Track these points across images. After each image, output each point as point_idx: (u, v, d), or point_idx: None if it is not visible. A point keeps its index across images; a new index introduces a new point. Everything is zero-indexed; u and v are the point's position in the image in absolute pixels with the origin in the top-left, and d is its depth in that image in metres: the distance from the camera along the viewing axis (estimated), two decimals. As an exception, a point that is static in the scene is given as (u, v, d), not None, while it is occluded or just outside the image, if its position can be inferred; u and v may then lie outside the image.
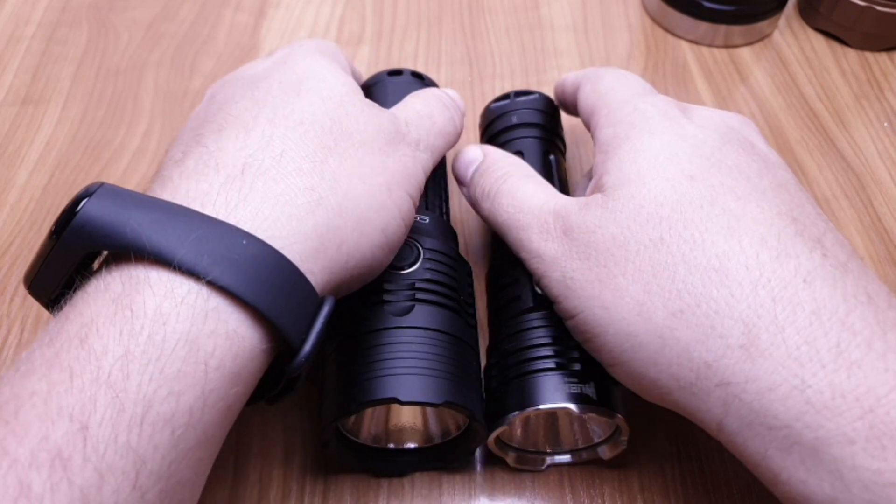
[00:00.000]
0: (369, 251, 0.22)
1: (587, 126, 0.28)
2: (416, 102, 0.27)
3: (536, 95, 0.33)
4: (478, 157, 0.28)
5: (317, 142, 0.22)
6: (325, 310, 0.20)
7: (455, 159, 0.29)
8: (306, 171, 0.21)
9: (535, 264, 0.24)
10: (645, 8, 0.46)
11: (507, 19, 0.45)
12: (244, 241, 0.18)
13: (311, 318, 0.20)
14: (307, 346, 0.19)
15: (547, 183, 0.27)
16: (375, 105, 0.25)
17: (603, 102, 0.27)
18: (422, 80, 0.33)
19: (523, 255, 0.25)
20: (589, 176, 0.28)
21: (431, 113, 0.27)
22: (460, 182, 0.29)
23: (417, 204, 0.25)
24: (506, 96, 0.33)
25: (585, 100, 0.28)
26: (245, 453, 0.27)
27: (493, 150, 0.28)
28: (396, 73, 0.33)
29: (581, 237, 0.23)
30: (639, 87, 0.27)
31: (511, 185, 0.26)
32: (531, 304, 0.25)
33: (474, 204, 0.28)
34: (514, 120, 0.32)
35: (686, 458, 0.27)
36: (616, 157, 0.24)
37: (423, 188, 0.25)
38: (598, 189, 0.24)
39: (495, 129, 0.32)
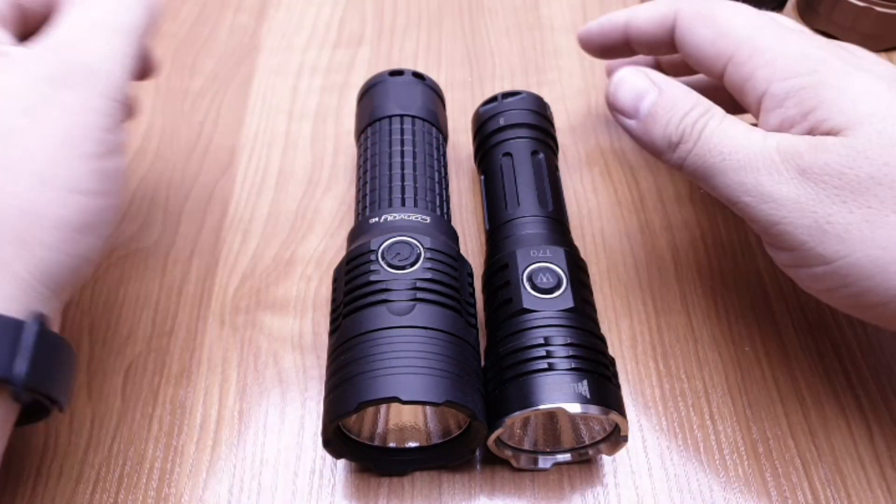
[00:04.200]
0: (62, 246, 0.21)
1: (708, 70, 0.27)
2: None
3: (524, 95, 0.33)
4: (648, 88, 0.26)
5: None
6: (30, 329, 0.20)
7: (615, 87, 0.27)
8: None
9: (767, 210, 0.23)
10: (645, 8, 0.46)
11: (507, 19, 0.45)
12: None
13: (12, 344, 0.20)
14: (18, 372, 0.20)
15: (747, 123, 0.25)
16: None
17: (750, 50, 0.25)
18: (423, 80, 0.33)
19: (747, 199, 0.23)
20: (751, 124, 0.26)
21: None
22: (625, 114, 0.27)
23: (112, 139, 0.23)
24: (493, 98, 0.33)
25: (710, 46, 0.26)
26: (246, 452, 0.27)
27: (671, 82, 0.26)
28: (397, 73, 0.33)
29: (828, 180, 0.22)
30: (778, 24, 0.26)
31: (720, 124, 0.24)
32: (524, 306, 0.25)
33: (658, 144, 0.26)
34: (502, 122, 0.32)
35: (686, 457, 0.27)
36: (824, 102, 0.23)
37: (116, 113, 0.23)
38: (823, 132, 0.23)
39: (485, 132, 0.33)
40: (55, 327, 0.23)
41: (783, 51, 0.25)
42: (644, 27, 0.30)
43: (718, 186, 0.24)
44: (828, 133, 0.23)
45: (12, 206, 0.20)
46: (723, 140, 0.24)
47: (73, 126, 0.22)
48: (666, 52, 0.30)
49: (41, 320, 0.21)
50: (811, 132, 0.23)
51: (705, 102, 0.25)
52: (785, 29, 0.26)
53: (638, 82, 0.26)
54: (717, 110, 0.25)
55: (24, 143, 0.21)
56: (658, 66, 0.34)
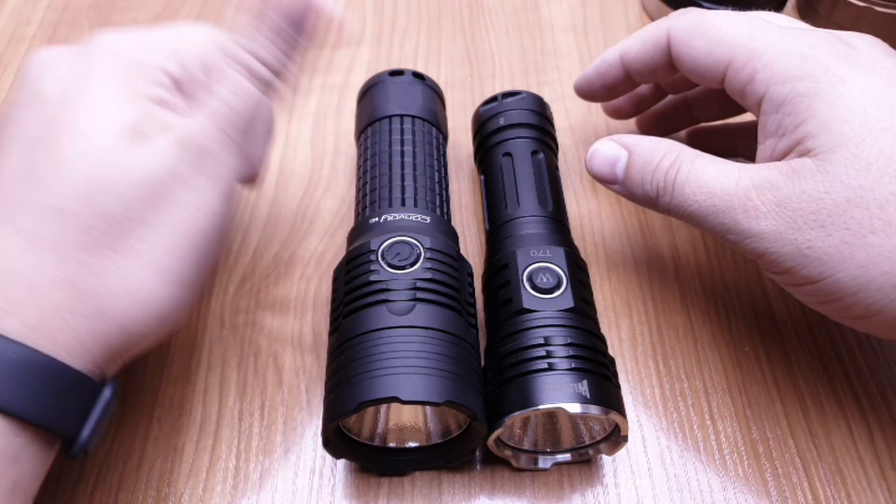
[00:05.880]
0: (146, 328, 0.22)
1: (708, 81, 0.27)
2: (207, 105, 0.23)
3: (524, 95, 0.33)
4: (618, 153, 0.27)
5: (73, 237, 0.20)
6: (105, 395, 0.21)
7: (589, 159, 0.28)
8: (62, 270, 0.20)
9: (751, 244, 0.24)
10: (644, 8, 0.46)
11: (507, 19, 0.45)
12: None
13: (87, 405, 0.21)
14: (83, 436, 0.20)
15: (720, 158, 0.25)
16: (147, 153, 0.21)
17: (747, 54, 0.25)
18: (422, 81, 0.33)
19: (731, 237, 0.24)
20: (754, 136, 0.26)
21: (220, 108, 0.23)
22: (606, 182, 0.28)
23: (221, 239, 0.23)
24: (493, 98, 0.33)
25: (707, 56, 0.26)
26: (246, 452, 0.27)
27: (638, 141, 0.27)
28: (397, 73, 0.33)
29: (805, 207, 0.22)
30: (770, 25, 0.26)
31: (689, 173, 0.25)
32: (524, 306, 0.25)
33: (642, 201, 0.27)
34: (502, 122, 0.32)
35: (686, 456, 0.27)
36: (814, 117, 0.23)
37: (228, 216, 0.23)
38: (803, 153, 0.23)
39: (485, 132, 0.33)
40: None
41: (780, 52, 0.25)
42: (639, 55, 0.30)
43: (704, 228, 0.25)
44: (808, 152, 0.23)
45: (111, 281, 0.20)
46: (696, 188, 0.25)
47: (197, 217, 0.22)
48: (665, 74, 0.30)
49: (115, 389, 0.22)
50: (795, 146, 0.23)
51: (674, 151, 0.26)
52: (779, 29, 0.26)
53: (608, 150, 0.28)
54: (686, 155, 0.25)
55: (152, 221, 0.21)
56: (660, 91, 0.35)
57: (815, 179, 0.22)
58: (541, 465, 0.26)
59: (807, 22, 0.44)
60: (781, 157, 0.24)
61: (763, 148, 0.25)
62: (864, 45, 0.25)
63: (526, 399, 0.23)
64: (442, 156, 0.32)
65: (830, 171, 0.22)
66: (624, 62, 0.31)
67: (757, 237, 0.23)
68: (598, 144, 0.28)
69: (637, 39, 0.30)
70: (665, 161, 0.26)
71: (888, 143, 0.22)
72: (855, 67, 0.24)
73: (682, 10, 0.29)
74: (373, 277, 0.25)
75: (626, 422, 0.24)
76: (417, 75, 0.33)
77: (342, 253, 0.28)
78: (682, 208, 0.25)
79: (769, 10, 0.42)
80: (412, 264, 0.25)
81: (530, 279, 0.26)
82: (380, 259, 0.25)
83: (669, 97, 0.35)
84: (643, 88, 0.34)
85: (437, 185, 0.30)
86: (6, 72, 0.41)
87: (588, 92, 0.33)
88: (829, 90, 0.23)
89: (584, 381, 0.23)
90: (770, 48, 0.25)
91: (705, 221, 0.25)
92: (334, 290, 0.27)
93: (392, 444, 0.26)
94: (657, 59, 0.29)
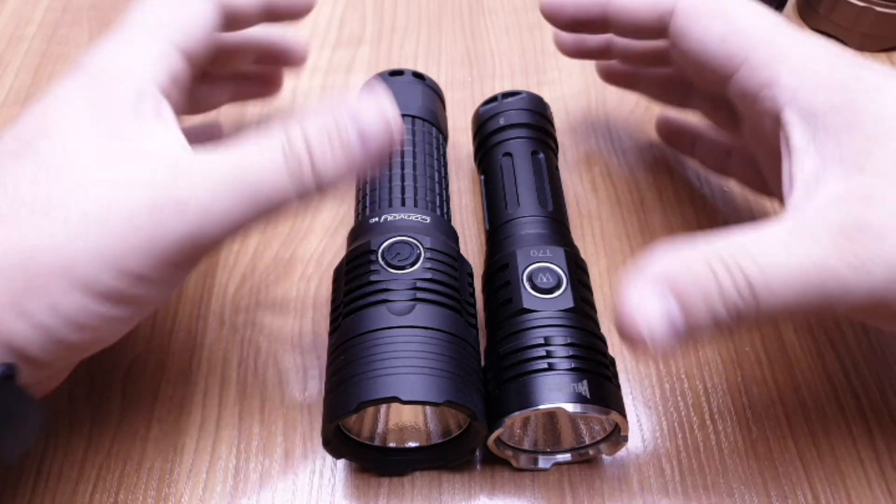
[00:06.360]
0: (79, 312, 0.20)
1: (710, 70, 0.25)
2: None
3: (524, 95, 0.33)
4: (664, 303, 0.19)
5: None
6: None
7: (628, 324, 0.19)
8: None
9: (864, 300, 0.19)
10: (644, 8, 0.46)
11: (507, 19, 0.45)
12: None
13: None
14: None
15: (761, 224, 0.20)
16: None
17: (770, 53, 0.23)
18: (422, 81, 0.33)
19: (845, 303, 0.20)
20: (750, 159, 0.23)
21: None
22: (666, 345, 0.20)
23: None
24: (493, 98, 0.33)
25: (720, 44, 0.24)
26: (246, 452, 0.27)
27: (671, 267, 0.19)
28: (397, 73, 0.33)
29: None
30: (789, 25, 0.23)
31: (760, 267, 0.19)
32: (524, 306, 0.25)
33: (723, 333, 0.23)
34: (502, 122, 0.32)
35: (686, 456, 0.27)
36: (858, 131, 0.21)
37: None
38: (854, 171, 0.20)
39: (485, 132, 0.33)
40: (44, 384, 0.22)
41: (807, 57, 0.22)
42: (632, 7, 0.26)
43: (810, 313, 0.21)
44: (862, 171, 0.20)
45: (50, 252, 0.19)
46: (780, 279, 0.19)
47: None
48: (649, 37, 0.27)
49: (9, 372, 0.20)
50: (841, 164, 0.21)
51: (717, 254, 0.19)
52: (802, 33, 0.24)
53: (649, 305, 0.19)
54: (736, 250, 0.19)
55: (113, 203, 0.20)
56: (609, 50, 0.31)
57: (892, 198, 0.19)
58: (541, 465, 0.26)
59: (806, 22, 0.44)
60: (821, 179, 0.21)
61: (793, 166, 0.22)
62: (872, 61, 0.23)
63: (526, 399, 0.23)
64: (442, 156, 0.32)
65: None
66: (609, 4, 0.27)
67: (871, 289, 0.19)
68: (627, 301, 0.19)
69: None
70: (722, 274, 0.19)
71: None
72: (881, 76, 0.22)
73: None
74: (373, 277, 0.25)
75: (627, 422, 0.24)
76: (417, 75, 0.33)
77: (342, 253, 0.28)
78: (779, 309, 0.19)
79: (770, 10, 0.42)
80: (412, 264, 0.25)
81: (530, 279, 0.26)
82: (380, 259, 0.25)
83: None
84: (599, 38, 0.31)
85: (437, 185, 0.30)
86: (6, 72, 0.41)
87: (554, 14, 0.29)
88: (868, 101, 0.21)
89: (585, 381, 0.23)
90: (796, 50, 0.23)
91: (809, 305, 0.19)
92: (334, 290, 0.27)
93: (392, 444, 0.26)
94: (649, 21, 0.26)
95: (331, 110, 0.21)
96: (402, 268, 0.25)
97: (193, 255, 0.21)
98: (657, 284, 0.19)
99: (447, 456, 0.26)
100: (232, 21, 0.28)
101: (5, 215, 0.20)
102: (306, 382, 0.29)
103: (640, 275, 0.19)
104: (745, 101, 0.24)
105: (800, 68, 0.22)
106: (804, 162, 0.22)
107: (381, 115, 0.21)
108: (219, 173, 0.21)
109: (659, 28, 0.26)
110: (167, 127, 0.22)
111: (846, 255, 0.19)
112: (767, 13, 0.24)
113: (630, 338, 0.19)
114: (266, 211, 0.21)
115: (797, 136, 0.22)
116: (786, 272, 0.19)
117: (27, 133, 0.22)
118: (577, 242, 0.31)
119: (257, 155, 0.21)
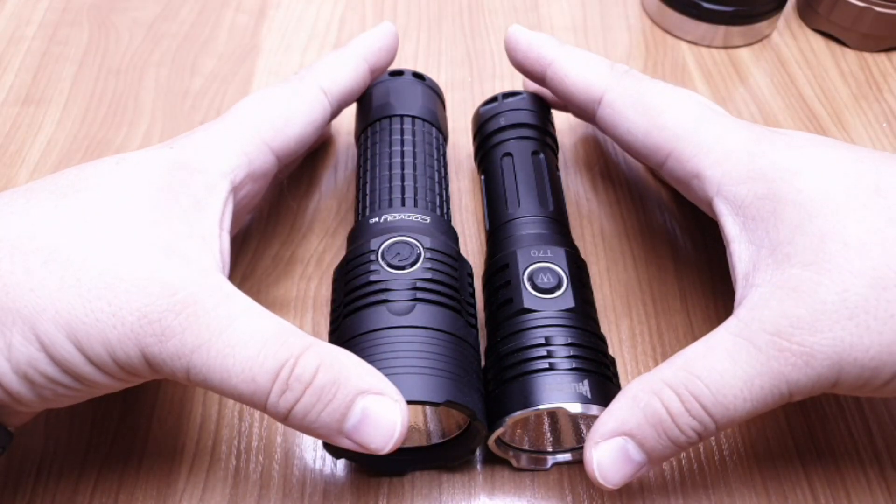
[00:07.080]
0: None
1: (640, 158, 0.26)
2: None
3: (524, 95, 0.33)
4: (622, 443, 0.21)
5: None
6: None
7: (598, 470, 0.22)
8: None
9: (835, 390, 0.21)
10: (644, 8, 0.46)
11: (507, 19, 0.45)
12: None
13: None
14: None
15: (707, 338, 0.21)
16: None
17: (692, 149, 0.24)
18: (422, 81, 0.33)
19: (815, 391, 0.21)
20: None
21: None
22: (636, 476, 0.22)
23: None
24: (493, 98, 0.33)
25: (645, 137, 0.25)
26: (245, 452, 0.27)
27: (624, 405, 0.22)
28: (397, 73, 0.33)
29: (838, 314, 0.20)
30: (707, 111, 0.24)
31: (712, 389, 0.20)
32: (524, 306, 0.25)
33: (681, 453, 0.24)
34: (503, 122, 0.32)
35: (686, 457, 0.27)
36: (783, 221, 0.21)
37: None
38: (784, 262, 0.21)
39: (485, 132, 0.33)
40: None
41: (728, 150, 0.23)
42: (564, 86, 0.28)
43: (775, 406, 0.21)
44: (791, 260, 0.21)
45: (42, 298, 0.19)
46: (731, 399, 0.20)
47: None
48: (583, 117, 0.28)
49: None
50: (774, 255, 0.21)
51: (667, 382, 0.21)
52: (722, 118, 0.24)
53: (609, 449, 0.22)
54: (685, 377, 0.21)
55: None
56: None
57: (825, 287, 0.20)
58: (541, 465, 0.26)
59: (807, 22, 0.45)
60: (758, 268, 0.22)
61: (732, 255, 0.23)
62: (791, 134, 0.24)
63: (526, 399, 0.23)
64: (442, 156, 0.32)
65: (831, 269, 0.20)
66: (551, 72, 0.29)
67: (817, 379, 0.20)
68: (597, 449, 0.21)
69: (575, 68, 0.27)
70: (672, 402, 0.20)
71: (870, 218, 0.20)
72: (799, 153, 0.22)
73: (620, 71, 0.28)
74: (373, 277, 0.25)
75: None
76: (417, 75, 0.33)
77: (342, 253, 0.28)
78: (737, 419, 0.20)
79: (770, 10, 0.42)
80: (412, 264, 0.25)
81: (531, 279, 0.26)
82: (380, 259, 0.25)
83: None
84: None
85: (437, 186, 0.30)
86: (6, 72, 0.41)
87: (509, 52, 0.30)
88: (787, 188, 0.22)
89: (585, 381, 0.23)
90: (717, 144, 0.23)
91: (766, 406, 0.20)
92: (334, 291, 0.27)
93: (392, 444, 0.26)
94: (583, 102, 0.28)
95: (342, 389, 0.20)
96: (402, 268, 0.25)
97: (153, 375, 0.21)
98: (612, 437, 0.21)
99: (447, 456, 0.26)
100: (337, 112, 0.29)
101: (12, 242, 0.20)
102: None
103: (596, 434, 0.21)
104: (680, 186, 0.26)
105: (723, 161, 0.23)
106: (741, 251, 0.23)
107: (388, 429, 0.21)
108: (215, 333, 0.20)
109: (589, 112, 0.28)
110: (210, 246, 0.22)
111: (785, 355, 0.20)
112: (693, 106, 0.25)
113: (599, 486, 0.22)
114: (233, 397, 0.20)
115: (729, 225, 0.23)
116: (734, 385, 0.20)
117: (79, 177, 0.22)
118: (577, 242, 0.32)
119: (258, 358, 0.20)
